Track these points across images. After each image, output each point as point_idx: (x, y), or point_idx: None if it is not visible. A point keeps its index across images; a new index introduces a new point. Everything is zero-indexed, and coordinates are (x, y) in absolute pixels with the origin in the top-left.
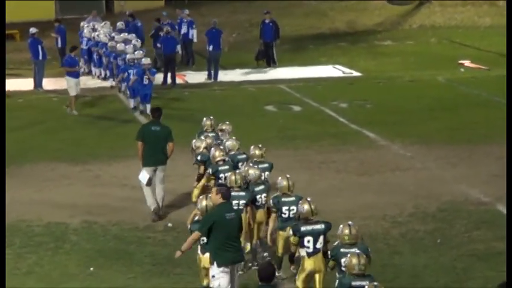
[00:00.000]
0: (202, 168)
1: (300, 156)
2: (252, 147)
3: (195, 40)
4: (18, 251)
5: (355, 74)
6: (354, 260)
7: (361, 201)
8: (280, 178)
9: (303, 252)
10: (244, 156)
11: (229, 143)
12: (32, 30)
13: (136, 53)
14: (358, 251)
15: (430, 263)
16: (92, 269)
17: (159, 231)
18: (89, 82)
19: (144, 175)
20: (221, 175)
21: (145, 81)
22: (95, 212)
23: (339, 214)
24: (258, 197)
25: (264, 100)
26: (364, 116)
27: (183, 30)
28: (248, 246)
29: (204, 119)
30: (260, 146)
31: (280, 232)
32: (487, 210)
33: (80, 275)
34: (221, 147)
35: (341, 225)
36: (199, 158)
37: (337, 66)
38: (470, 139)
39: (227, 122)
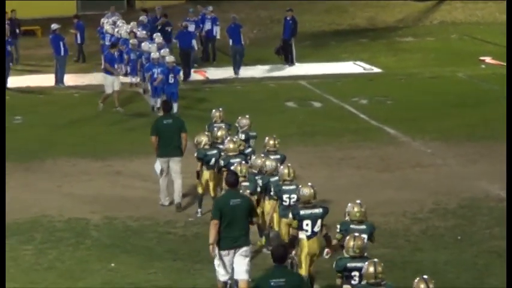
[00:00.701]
0: (199, 164)
1: (320, 153)
2: (267, 137)
3: (218, 37)
4: (40, 246)
5: (376, 70)
6: (351, 242)
7: (382, 197)
8: (281, 166)
9: (302, 235)
10: (250, 150)
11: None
12: (54, 26)
13: (162, 51)
14: (356, 234)
15: (450, 260)
16: (112, 264)
17: (180, 227)
18: None
19: (157, 165)
20: (232, 168)
21: (171, 80)
22: (115, 207)
23: None
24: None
25: (285, 96)
26: (385, 113)
27: (207, 27)
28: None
29: (213, 110)
30: (275, 136)
31: (283, 219)
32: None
33: (100, 270)
34: (234, 139)
35: (350, 204)
36: (195, 154)
37: (358, 62)
38: (491, 136)
39: (247, 116)
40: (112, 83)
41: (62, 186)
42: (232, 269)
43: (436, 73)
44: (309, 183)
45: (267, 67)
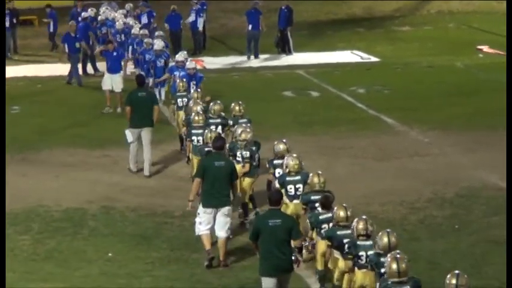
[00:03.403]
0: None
1: (318, 142)
2: (232, 104)
3: (200, 28)
4: (37, 236)
5: (373, 59)
6: (315, 179)
7: (379, 187)
8: (241, 131)
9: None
10: (218, 120)
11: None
12: (84, 14)
13: (181, 53)
14: (319, 171)
15: (448, 249)
16: (110, 254)
17: (177, 217)
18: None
19: (128, 134)
20: (193, 138)
21: (192, 88)
22: (113, 197)
23: (356, 200)
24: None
25: (282, 86)
26: (382, 102)
27: (191, 18)
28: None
29: (177, 80)
30: (240, 102)
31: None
32: (505, 196)
33: (98, 260)
34: (199, 111)
35: (287, 156)
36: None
37: (355, 51)
38: (488, 125)
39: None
40: (108, 82)
41: (59, 176)
42: (213, 225)
43: (433, 62)
44: (284, 140)
45: (263, 57)
